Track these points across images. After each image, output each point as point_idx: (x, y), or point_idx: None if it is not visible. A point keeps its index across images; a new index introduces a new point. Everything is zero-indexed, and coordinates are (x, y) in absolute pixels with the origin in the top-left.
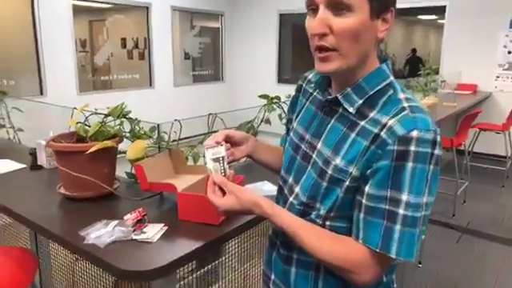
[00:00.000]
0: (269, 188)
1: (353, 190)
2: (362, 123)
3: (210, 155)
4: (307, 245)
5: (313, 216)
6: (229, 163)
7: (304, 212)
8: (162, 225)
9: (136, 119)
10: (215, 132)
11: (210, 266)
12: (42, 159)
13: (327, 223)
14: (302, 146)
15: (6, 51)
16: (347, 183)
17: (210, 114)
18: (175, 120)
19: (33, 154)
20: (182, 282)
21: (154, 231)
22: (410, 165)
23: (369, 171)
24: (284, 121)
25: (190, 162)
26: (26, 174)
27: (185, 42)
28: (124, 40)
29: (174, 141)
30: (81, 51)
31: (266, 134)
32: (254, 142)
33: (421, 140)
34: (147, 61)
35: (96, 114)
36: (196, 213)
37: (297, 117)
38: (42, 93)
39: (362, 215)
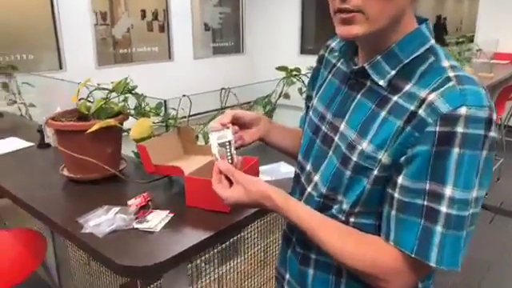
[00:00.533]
0: (286, 170)
1: (382, 180)
2: (395, 98)
3: (215, 139)
4: (327, 245)
5: (334, 211)
6: (237, 148)
7: (324, 205)
8: (167, 212)
9: (142, 95)
10: (228, 108)
11: (229, 242)
12: (49, 137)
13: (351, 220)
14: (323, 128)
15: (25, 25)
16: (375, 173)
17: (222, 88)
18: (183, 95)
19: (41, 131)
20: (199, 259)
21: (157, 219)
22: (455, 151)
23: (403, 158)
24: (304, 95)
25: (201, 142)
26: (31, 153)
27: (205, 13)
28: (143, 12)
29: (183, 117)
30: (101, 24)
31: (284, 107)
32: (267, 123)
33: (471, 119)
34: (166, 33)
35: (99, 89)
36: (205, 199)
37: (317, 93)
38: (61, 67)
39: (393, 212)
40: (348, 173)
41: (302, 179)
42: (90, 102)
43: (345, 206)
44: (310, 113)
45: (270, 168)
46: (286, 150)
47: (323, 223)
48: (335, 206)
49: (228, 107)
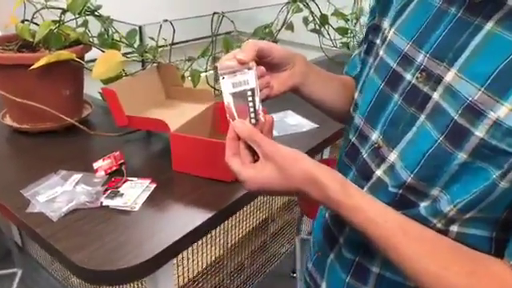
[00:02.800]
0: (293, 121)
1: None
2: None
3: (228, 86)
4: (417, 270)
5: (424, 211)
6: (262, 100)
7: (403, 201)
8: (148, 181)
9: (108, 18)
10: (219, 35)
11: None
12: None
13: (452, 229)
14: (407, 76)
15: None
16: None
17: (214, 12)
18: (165, 20)
19: None
20: None
21: (135, 192)
22: None
23: None
24: (310, 26)
25: (188, 83)
26: None
27: None
28: None
29: (162, 46)
30: None
31: (286, 44)
32: (305, 65)
33: None
34: None
35: (49, 8)
36: (198, 163)
37: (395, 20)
38: None
39: None
40: (461, 156)
41: (364, 155)
42: (36, 24)
43: (445, 208)
44: (381, 52)
45: (275, 119)
46: (328, 106)
47: (412, 234)
48: (423, 204)
49: (220, 34)
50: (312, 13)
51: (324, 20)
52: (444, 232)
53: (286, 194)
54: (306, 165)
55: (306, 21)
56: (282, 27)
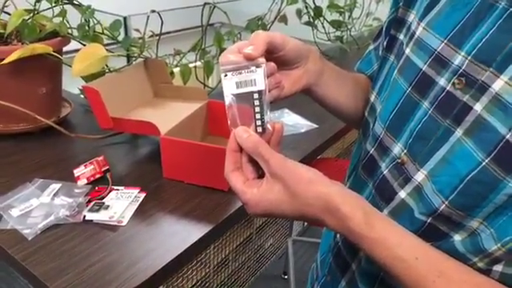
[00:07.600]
0: (291, 121)
1: None
2: None
3: (231, 86)
4: None
5: (460, 246)
6: (271, 102)
7: (433, 231)
8: (137, 190)
9: (89, 7)
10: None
11: None
12: None
13: (496, 268)
14: (440, 81)
15: None
16: None
17: (205, 3)
18: (152, 11)
19: None
20: None
21: (123, 203)
22: None
23: None
24: (305, 19)
25: (178, 80)
26: None
27: None
28: None
29: (150, 36)
30: None
31: None
32: (319, 61)
33: None
34: None
35: None
36: (192, 170)
37: (425, 14)
38: None
39: None
40: None
41: (384, 170)
42: (7, 14)
43: (490, 246)
44: (407, 50)
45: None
46: (342, 109)
47: (449, 275)
48: (457, 237)
49: (211, 25)
50: (306, 4)
51: (318, 12)
52: (485, 272)
53: (297, 219)
54: (323, 189)
55: (299, 13)
56: (275, 19)
